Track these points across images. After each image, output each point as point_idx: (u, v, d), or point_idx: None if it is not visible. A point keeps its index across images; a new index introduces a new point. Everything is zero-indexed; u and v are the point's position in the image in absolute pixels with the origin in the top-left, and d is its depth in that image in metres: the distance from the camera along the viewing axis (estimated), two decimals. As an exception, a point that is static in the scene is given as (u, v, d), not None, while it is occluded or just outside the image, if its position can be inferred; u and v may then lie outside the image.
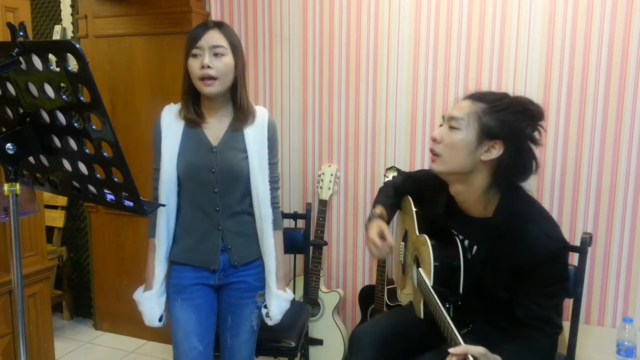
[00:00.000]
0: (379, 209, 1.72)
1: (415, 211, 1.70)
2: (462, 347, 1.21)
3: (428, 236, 1.52)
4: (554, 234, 1.37)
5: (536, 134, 1.40)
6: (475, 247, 1.49)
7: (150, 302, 1.69)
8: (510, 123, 1.36)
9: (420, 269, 1.56)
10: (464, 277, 1.47)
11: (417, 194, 1.75)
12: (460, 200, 1.50)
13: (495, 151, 1.37)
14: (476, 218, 1.48)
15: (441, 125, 1.47)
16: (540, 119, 1.40)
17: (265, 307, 1.75)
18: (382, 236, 1.57)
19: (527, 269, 1.36)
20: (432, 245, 1.49)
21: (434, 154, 1.45)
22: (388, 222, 1.70)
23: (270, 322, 1.75)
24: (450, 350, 1.22)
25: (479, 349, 1.21)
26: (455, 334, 1.26)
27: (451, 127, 1.40)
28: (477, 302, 1.48)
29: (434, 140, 1.45)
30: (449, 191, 1.52)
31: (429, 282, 1.46)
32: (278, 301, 1.73)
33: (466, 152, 1.38)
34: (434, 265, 1.46)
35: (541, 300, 1.37)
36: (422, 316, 1.53)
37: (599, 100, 2.13)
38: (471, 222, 1.49)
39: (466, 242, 1.52)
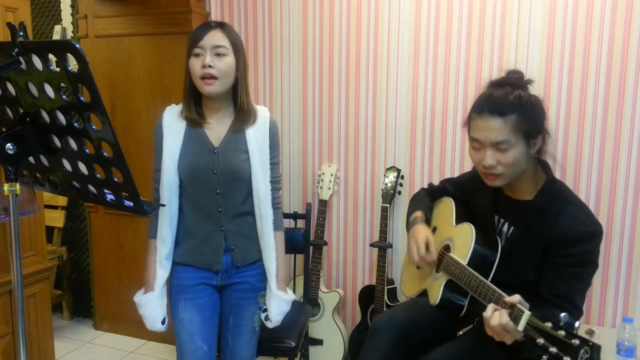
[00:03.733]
0: (419, 213, 1.79)
1: (455, 207, 1.76)
2: (510, 298, 1.26)
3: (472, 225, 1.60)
4: (592, 217, 1.45)
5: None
6: (512, 229, 1.55)
7: (153, 304, 1.66)
8: (538, 116, 1.46)
9: (451, 254, 1.60)
10: (496, 267, 1.52)
11: (459, 191, 1.82)
12: (511, 188, 1.56)
13: (539, 142, 1.48)
14: (519, 200, 1.55)
15: (475, 148, 1.49)
16: (532, 81, 1.54)
17: (265, 310, 1.72)
18: (427, 246, 1.63)
19: (561, 247, 1.41)
20: (475, 231, 1.55)
21: (494, 175, 1.48)
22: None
23: (270, 325, 1.72)
24: (507, 299, 1.26)
25: (519, 297, 1.26)
26: (497, 290, 1.32)
27: (499, 150, 1.44)
28: (503, 287, 1.49)
29: (490, 167, 1.46)
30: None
31: (464, 262, 1.50)
32: (278, 302, 1.71)
33: (524, 159, 1.46)
34: (473, 249, 1.52)
35: (569, 280, 1.40)
36: (437, 302, 1.57)
37: (599, 100, 2.13)
38: (514, 203, 1.56)
39: (505, 225, 1.58)
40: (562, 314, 1.10)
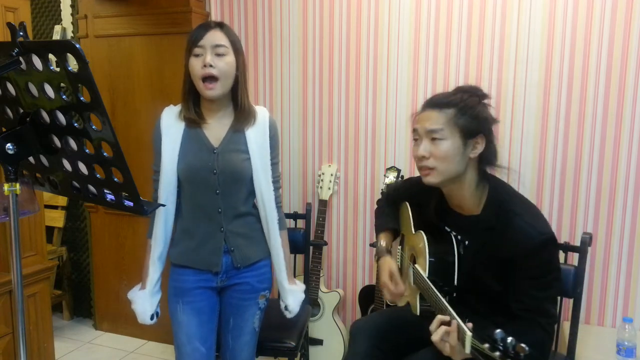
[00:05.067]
0: (383, 239, 1.78)
1: (412, 213, 1.74)
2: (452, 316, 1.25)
3: (424, 232, 1.57)
4: (539, 226, 1.40)
5: (492, 112, 1.49)
6: (466, 242, 1.53)
7: (143, 301, 1.69)
8: (479, 115, 1.44)
9: (416, 264, 1.58)
10: (458, 271, 1.51)
11: (411, 198, 1.79)
12: (453, 199, 1.54)
13: (480, 145, 1.46)
14: (467, 216, 1.52)
15: (415, 140, 1.50)
16: (487, 97, 1.49)
17: (283, 301, 1.79)
18: (392, 279, 1.63)
19: (516, 261, 1.39)
20: (427, 239, 1.54)
21: (427, 168, 1.47)
22: (394, 240, 1.82)
23: (289, 315, 1.80)
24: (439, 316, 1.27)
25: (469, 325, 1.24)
26: (450, 311, 1.29)
27: (434, 139, 1.44)
28: (471, 297, 1.50)
29: (422, 157, 1.46)
30: (441, 193, 1.57)
31: (425, 274, 1.49)
32: (293, 295, 1.79)
33: (458, 156, 1.44)
34: (429, 259, 1.50)
35: (533, 292, 1.38)
36: (418, 313, 1.56)
37: (599, 100, 2.13)
38: (462, 219, 1.53)
39: (459, 237, 1.55)
40: (497, 331, 1.12)
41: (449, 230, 1.58)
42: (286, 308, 1.79)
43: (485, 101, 1.49)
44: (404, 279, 1.78)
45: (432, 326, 1.30)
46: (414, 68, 2.41)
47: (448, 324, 1.26)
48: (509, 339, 1.10)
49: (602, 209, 2.17)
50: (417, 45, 2.39)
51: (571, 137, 2.18)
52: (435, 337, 1.27)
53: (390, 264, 1.69)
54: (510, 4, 2.20)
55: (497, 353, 1.10)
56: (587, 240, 1.76)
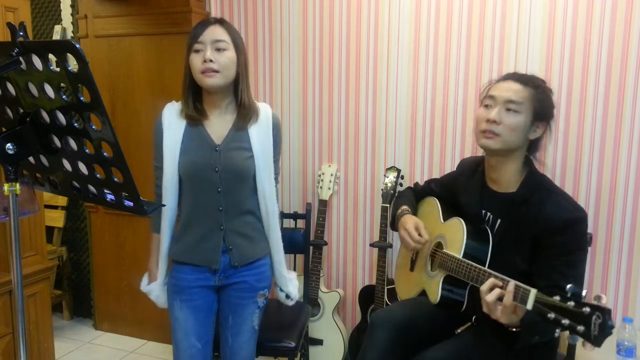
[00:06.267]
0: (405, 207, 1.85)
1: (440, 205, 1.79)
2: (513, 282, 1.28)
3: (462, 219, 1.63)
4: (575, 204, 1.50)
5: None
6: (499, 221, 1.58)
7: (159, 289, 1.75)
8: (550, 106, 1.56)
9: (444, 250, 1.62)
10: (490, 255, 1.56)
11: (444, 191, 1.85)
12: (494, 171, 1.61)
13: (540, 130, 1.55)
14: (503, 193, 1.60)
15: (487, 106, 1.55)
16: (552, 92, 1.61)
17: (282, 290, 1.83)
18: (418, 230, 1.70)
19: (548, 237, 1.44)
20: (465, 225, 1.59)
21: (493, 133, 1.52)
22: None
23: (291, 303, 1.84)
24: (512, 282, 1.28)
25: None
26: (501, 276, 1.33)
27: (509, 110, 1.50)
28: None
29: (493, 121, 1.52)
30: (481, 169, 1.66)
31: (459, 255, 1.53)
32: (293, 283, 1.83)
33: (524, 133, 1.52)
34: (466, 241, 1.55)
35: (562, 269, 1.41)
36: (438, 299, 1.58)
37: (599, 100, 2.12)
38: (498, 197, 1.60)
39: (491, 218, 1.61)
40: (569, 286, 1.13)
41: (484, 212, 1.64)
42: (287, 296, 1.82)
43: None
44: (416, 271, 1.79)
45: (484, 288, 1.32)
46: (414, 68, 2.41)
47: (502, 287, 1.29)
48: (584, 291, 1.14)
49: (602, 209, 2.17)
50: (417, 45, 2.39)
51: (571, 137, 2.18)
52: (490, 298, 1.30)
53: (416, 219, 1.75)
54: (510, 4, 2.20)
55: (571, 303, 1.09)
56: (587, 241, 1.76)
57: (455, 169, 1.90)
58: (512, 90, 1.52)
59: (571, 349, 1.77)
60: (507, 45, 2.23)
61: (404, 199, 1.94)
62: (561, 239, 1.42)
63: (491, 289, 1.32)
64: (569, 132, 2.18)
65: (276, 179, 1.75)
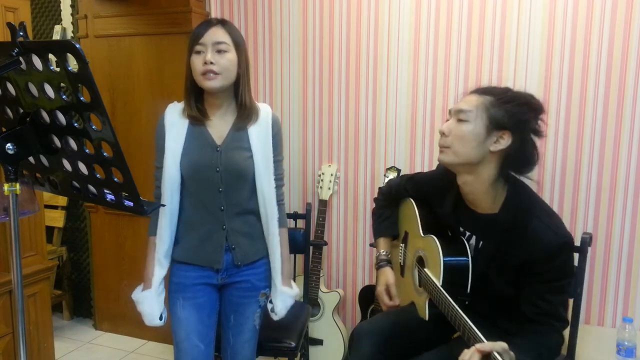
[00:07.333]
0: (383, 247, 1.84)
1: (419, 212, 1.72)
2: (489, 345, 1.20)
3: (435, 236, 1.55)
4: (559, 230, 1.39)
5: (538, 126, 1.45)
6: (481, 243, 1.52)
7: (150, 301, 1.67)
8: (516, 114, 1.40)
9: (426, 269, 1.56)
10: (471, 276, 1.50)
11: (420, 195, 1.77)
12: (468, 193, 1.52)
13: (504, 141, 1.41)
14: (483, 214, 1.51)
15: (448, 120, 1.50)
16: (541, 112, 1.45)
17: (271, 302, 1.76)
18: (388, 292, 1.72)
19: (533, 265, 1.38)
20: (440, 246, 1.51)
21: (443, 146, 1.48)
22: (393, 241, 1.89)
23: (275, 317, 1.76)
24: (477, 346, 1.21)
25: (502, 345, 1.20)
26: (475, 331, 1.26)
27: (459, 120, 1.44)
28: (480, 300, 1.49)
29: (442, 133, 1.48)
30: (457, 185, 1.54)
31: (439, 282, 1.47)
32: (283, 297, 1.74)
33: (475, 142, 1.42)
34: (444, 265, 1.48)
35: (548, 296, 1.38)
36: (427, 318, 1.55)
37: (599, 100, 2.12)
38: (478, 218, 1.52)
39: (473, 238, 1.54)
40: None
41: (462, 230, 1.57)
42: (272, 310, 1.76)
43: (540, 116, 1.44)
44: (405, 278, 1.78)
45: (466, 356, 1.23)
46: (414, 68, 2.41)
47: (487, 356, 1.20)
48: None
49: (602, 209, 2.17)
50: (417, 45, 2.39)
51: (571, 137, 2.18)
52: None
53: (388, 276, 1.74)
54: (510, 4, 2.20)
55: None
56: (587, 240, 1.76)
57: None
58: (466, 100, 1.46)
59: (571, 349, 1.77)
60: (507, 45, 2.23)
61: (379, 221, 1.90)
62: (548, 267, 1.37)
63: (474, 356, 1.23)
64: (569, 132, 2.18)
65: (281, 179, 1.74)
